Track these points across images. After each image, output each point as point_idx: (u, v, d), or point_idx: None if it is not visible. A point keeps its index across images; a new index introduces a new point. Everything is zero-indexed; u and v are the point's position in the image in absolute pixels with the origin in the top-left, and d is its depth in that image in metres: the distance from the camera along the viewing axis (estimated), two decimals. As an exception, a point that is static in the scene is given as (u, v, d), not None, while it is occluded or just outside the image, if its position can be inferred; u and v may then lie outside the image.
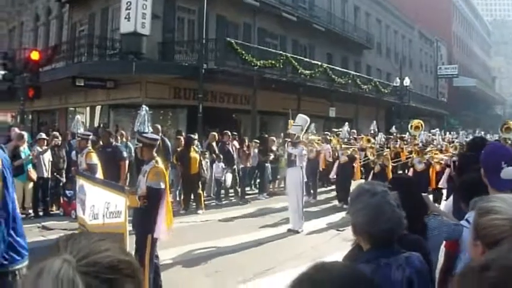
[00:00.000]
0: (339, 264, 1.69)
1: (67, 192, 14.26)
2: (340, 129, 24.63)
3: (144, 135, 8.78)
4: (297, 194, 13.09)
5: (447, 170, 15.86)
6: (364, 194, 2.58)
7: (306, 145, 14.20)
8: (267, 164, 19.54)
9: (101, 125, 25.14)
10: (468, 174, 4.90)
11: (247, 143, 19.68)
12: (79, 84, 23.35)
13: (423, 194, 4.67)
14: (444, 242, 4.08)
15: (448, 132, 34.65)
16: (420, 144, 21.42)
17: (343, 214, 15.43)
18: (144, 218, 7.38)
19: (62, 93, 27.88)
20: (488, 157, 3.61)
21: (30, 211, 14.09)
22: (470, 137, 29.02)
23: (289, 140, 13.79)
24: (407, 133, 27.62)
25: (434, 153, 17.91)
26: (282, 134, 23.16)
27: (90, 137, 12.37)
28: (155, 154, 7.74)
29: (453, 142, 23.72)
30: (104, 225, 8.48)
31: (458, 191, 4.43)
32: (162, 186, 7.45)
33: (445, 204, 6.36)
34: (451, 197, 6.42)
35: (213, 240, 11.18)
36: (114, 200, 8.07)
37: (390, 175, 18.65)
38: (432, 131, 30.98)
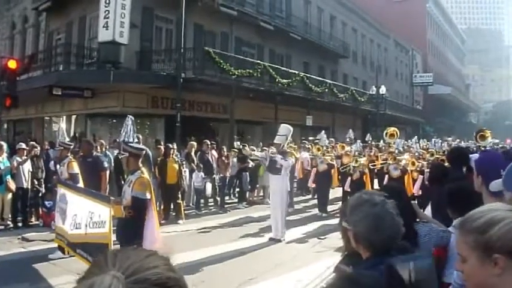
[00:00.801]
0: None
1: (46, 202, 14.11)
2: (318, 138, 24.74)
3: (130, 145, 8.77)
4: (281, 203, 13.12)
5: (420, 177, 16.03)
6: (364, 204, 2.64)
7: (289, 154, 14.21)
8: (244, 173, 19.58)
9: (76, 134, 25.01)
10: (453, 182, 4.99)
11: (225, 152, 19.65)
12: (56, 93, 23.14)
13: (412, 201, 4.76)
14: (433, 248, 4.15)
15: (422, 140, 34.81)
16: (396, 152, 21.55)
17: (323, 222, 15.53)
18: (129, 228, 7.38)
19: (38, 102, 27.66)
20: (487, 165, 3.67)
21: (9, 222, 13.92)
22: (442, 143, 29.43)
23: (273, 149, 13.81)
24: (382, 140, 27.80)
25: (411, 161, 17.94)
26: (261, 143, 23.27)
27: (72, 146, 12.30)
28: (141, 164, 7.74)
29: (428, 149, 23.91)
30: (87, 235, 8.47)
31: (447, 199, 4.48)
32: (148, 196, 7.46)
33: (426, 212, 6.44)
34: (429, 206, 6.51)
35: (195, 250, 11.13)
36: (98, 209, 8.07)
37: (369, 182, 18.76)
38: (411, 140, 31.25)
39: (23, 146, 14.84)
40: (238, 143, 21.55)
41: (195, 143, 18.94)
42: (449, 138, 38.31)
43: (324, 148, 21.56)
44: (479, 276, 1.93)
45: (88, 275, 1.21)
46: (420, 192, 15.67)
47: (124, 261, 1.22)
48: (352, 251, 2.87)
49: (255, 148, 20.48)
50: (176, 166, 16.05)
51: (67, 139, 13.91)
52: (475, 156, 8.37)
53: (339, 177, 20.43)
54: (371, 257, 2.62)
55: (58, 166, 12.01)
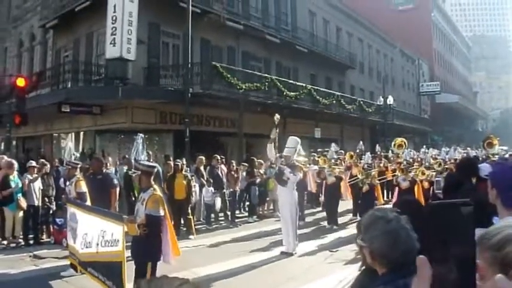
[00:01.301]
0: None
1: (57, 220, 14.11)
2: (326, 150, 24.75)
3: (142, 162, 8.80)
4: (291, 216, 13.10)
5: (432, 188, 15.93)
6: (378, 221, 2.65)
7: (298, 168, 14.19)
8: (253, 186, 19.57)
9: (85, 151, 25.06)
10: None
11: (235, 167, 19.64)
12: (65, 110, 23.22)
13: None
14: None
15: (431, 149, 34.73)
16: (404, 162, 21.49)
17: (334, 235, 15.49)
18: (144, 246, 7.40)
19: (47, 119, 27.76)
20: (502, 177, 3.66)
21: (21, 240, 13.97)
22: (454, 152, 29.33)
23: (283, 160, 13.80)
24: (390, 151, 27.76)
25: (421, 171, 17.87)
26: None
27: (79, 165, 12.30)
28: (153, 182, 7.76)
29: (436, 159, 23.78)
30: (98, 253, 8.46)
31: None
32: (162, 213, 7.48)
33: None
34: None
35: (206, 266, 11.13)
36: (111, 228, 8.06)
37: (380, 195, 18.73)
38: (419, 151, 31.26)
39: (34, 163, 14.90)
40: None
41: (203, 158, 18.95)
42: (458, 147, 38.14)
43: (333, 160, 21.54)
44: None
45: None
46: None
47: None
48: (369, 266, 2.87)
49: (262, 162, 20.50)
50: (185, 182, 16.06)
51: (73, 157, 13.96)
52: (484, 166, 8.36)
53: (350, 189, 20.40)
54: (387, 273, 2.63)
55: (67, 183, 12.04)
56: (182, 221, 15.93)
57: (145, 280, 1.35)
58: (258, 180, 19.77)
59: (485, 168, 7.20)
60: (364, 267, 3.19)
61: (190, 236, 15.31)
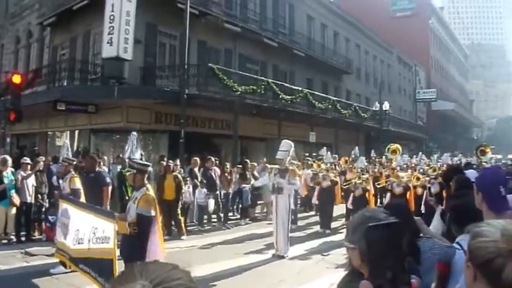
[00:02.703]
0: None
1: (50, 217, 14.09)
2: (321, 154, 24.78)
3: (136, 161, 8.82)
4: (284, 220, 13.14)
5: (425, 193, 15.93)
6: (367, 221, 2.64)
7: (292, 172, 14.18)
8: (245, 189, 19.58)
9: (80, 150, 25.03)
10: (458, 198, 5.01)
11: (228, 169, 19.65)
12: (60, 108, 23.17)
13: (416, 218, 4.77)
14: (436, 264, 4.14)
15: (422, 155, 34.81)
16: (398, 168, 21.54)
17: (326, 239, 15.52)
18: (133, 245, 7.39)
19: (42, 116, 27.72)
20: (486, 182, 3.71)
21: (13, 237, 13.98)
22: (447, 159, 29.47)
23: (277, 167, 13.85)
24: (384, 156, 27.84)
25: (415, 176, 17.88)
26: (265, 159, 23.26)
27: (74, 162, 12.31)
28: (146, 181, 7.77)
29: (429, 165, 23.82)
30: (90, 250, 8.47)
31: (451, 216, 4.51)
32: (153, 213, 7.49)
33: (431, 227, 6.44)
34: (433, 222, 6.53)
35: (198, 267, 11.09)
36: (102, 225, 8.07)
37: (372, 199, 18.74)
38: (416, 158, 31.41)
39: (27, 160, 14.91)
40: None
41: (198, 159, 18.96)
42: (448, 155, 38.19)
43: (328, 165, 21.58)
44: (464, 271, 2.16)
45: (116, 285, 1.28)
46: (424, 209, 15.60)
47: (151, 272, 1.31)
48: (355, 268, 2.87)
49: (257, 175, 20.44)
50: (174, 183, 16.12)
51: (70, 154, 13.97)
52: (470, 172, 8.39)
53: (342, 193, 20.43)
54: (373, 275, 2.64)
55: (61, 181, 12.05)
56: (173, 222, 15.96)
57: (139, 263, 1.40)
58: (250, 182, 19.76)
59: (471, 175, 7.24)
60: (349, 270, 3.19)
61: (182, 237, 15.37)
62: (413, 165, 25.86)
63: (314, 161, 22.26)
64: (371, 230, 2.27)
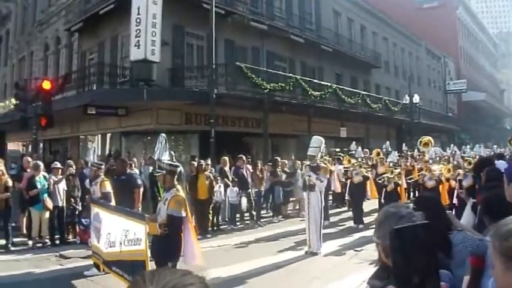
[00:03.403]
0: None
1: (83, 220, 14.18)
2: (352, 149, 24.65)
3: (165, 162, 8.82)
4: (316, 216, 13.09)
5: (457, 186, 15.71)
6: (390, 217, 2.61)
7: (324, 169, 14.10)
8: (276, 186, 19.53)
9: (112, 153, 25.21)
10: (488, 190, 4.93)
11: (260, 167, 19.63)
12: (90, 113, 23.39)
13: (448, 211, 4.69)
14: (469, 258, 4.08)
15: (455, 147, 34.38)
16: (430, 161, 21.28)
17: (359, 234, 15.41)
18: (164, 246, 7.39)
19: (73, 121, 28.00)
20: None
21: (47, 240, 14.15)
22: (480, 150, 29.11)
23: (308, 163, 13.80)
24: (416, 150, 27.55)
25: (446, 169, 17.64)
26: (293, 156, 23.21)
27: (103, 166, 12.37)
28: (176, 182, 7.77)
29: (463, 157, 23.48)
30: (122, 252, 8.50)
31: (483, 208, 4.43)
32: (183, 214, 7.48)
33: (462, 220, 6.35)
34: (464, 215, 6.43)
35: (232, 265, 11.13)
36: (133, 227, 8.09)
37: (404, 193, 18.56)
38: (448, 150, 31.08)
39: (58, 165, 15.06)
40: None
41: (227, 158, 18.97)
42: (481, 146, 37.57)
43: (360, 160, 21.44)
44: (502, 281, 2.10)
45: None
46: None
47: (161, 279, 1.29)
48: (385, 264, 2.83)
49: (286, 162, 20.43)
50: (207, 182, 16.17)
51: (97, 159, 14.06)
52: (500, 163, 8.24)
53: (376, 188, 20.27)
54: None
55: (92, 184, 12.14)
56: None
57: (149, 270, 1.37)
58: (283, 177, 19.71)
59: (501, 166, 7.11)
60: (379, 266, 3.15)
61: (208, 235, 15.40)
62: (446, 157, 25.52)
63: (344, 156, 22.10)
64: (395, 233, 2.20)
